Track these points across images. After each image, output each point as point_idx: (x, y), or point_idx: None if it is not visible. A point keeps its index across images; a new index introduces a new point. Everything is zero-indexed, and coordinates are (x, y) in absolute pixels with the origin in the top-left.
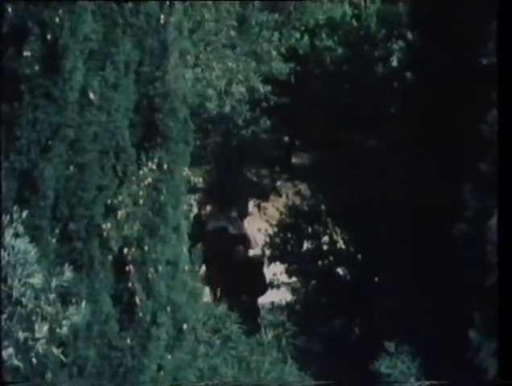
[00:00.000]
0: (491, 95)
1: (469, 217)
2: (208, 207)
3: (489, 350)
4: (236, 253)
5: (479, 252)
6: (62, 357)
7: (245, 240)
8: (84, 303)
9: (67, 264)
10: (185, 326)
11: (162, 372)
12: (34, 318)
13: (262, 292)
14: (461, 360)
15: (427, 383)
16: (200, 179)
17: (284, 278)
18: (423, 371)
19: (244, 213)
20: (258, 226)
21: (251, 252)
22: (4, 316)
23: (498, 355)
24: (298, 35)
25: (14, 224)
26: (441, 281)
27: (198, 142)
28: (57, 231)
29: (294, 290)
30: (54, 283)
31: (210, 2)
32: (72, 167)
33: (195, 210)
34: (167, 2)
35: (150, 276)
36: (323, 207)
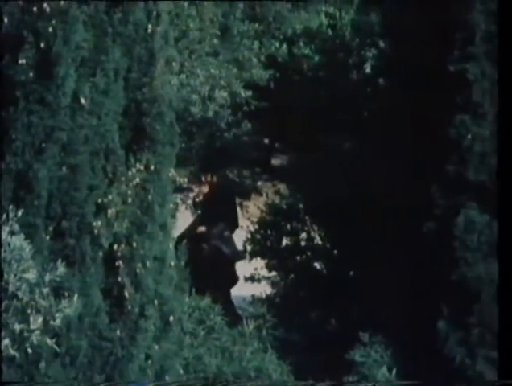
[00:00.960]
0: (457, 100)
1: (438, 215)
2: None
3: (455, 339)
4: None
5: (447, 248)
6: (55, 347)
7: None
8: (76, 297)
9: (60, 260)
10: (171, 318)
11: (149, 361)
12: (29, 311)
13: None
14: (430, 349)
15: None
16: (185, 179)
17: (264, 272)
18: (394, 360)
19: (234, 225)
20: (240, 223)
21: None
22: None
23: (498, 355)
24: (277, 44)
25: (9, 222)
26: (412, 275)
27: (183, 145)
28: (51, 228)
29: (273, 284)
30: (48, 278)
31: (194, 13)
32: (64, 168)
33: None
34: (154, 13)
35: (138, 271)
36: (301, 205)
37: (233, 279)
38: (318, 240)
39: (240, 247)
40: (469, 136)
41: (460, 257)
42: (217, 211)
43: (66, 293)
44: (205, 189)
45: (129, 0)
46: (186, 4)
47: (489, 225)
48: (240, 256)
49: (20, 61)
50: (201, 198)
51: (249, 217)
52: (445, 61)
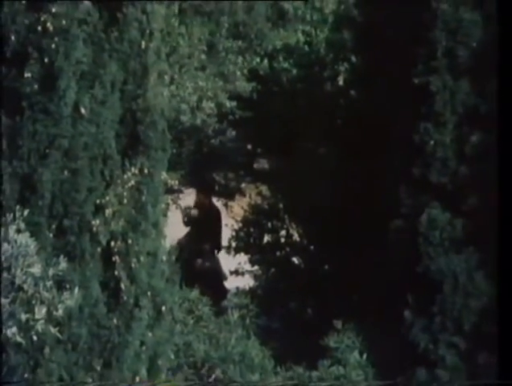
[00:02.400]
0: (421, 109)
1: (404, 213)
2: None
3: (420, 326)
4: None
5: (412, 243)
6: (58, 335)
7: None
8: (76, 289)
9: (62, 256)
10: (163, 308)
11: (144, 347)
12: (34, 302)
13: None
14: (397, 335)
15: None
16: (176, 182)
17: (248, 267)
18: (365, 345)
19: (218, 246)
20: (226, 222)
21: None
22: (8, 300)
23: (498, 356)
24: (258, 59)
25: (16, 221)
26: (381, 267)
27: (174, 150)
28: (53, 227)
29: (256, 277)
30: (51, 272)
31: (184, 31)
32: (66, 172)
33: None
34: (147, 31)
35: (133, 265)
36: (281, 205)
37: (224, 293)
38: (296, 237)
39: (225, 243)
40: (432, 142)
41: (423, 252)
42: (205, 232)
43: (67, 286)
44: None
45: (127, 0)
46: (176, 23)
47: (450, 223)
48: (225, 277)
49: (26, 75)
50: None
51: (233, 216)
52: (410, 74)
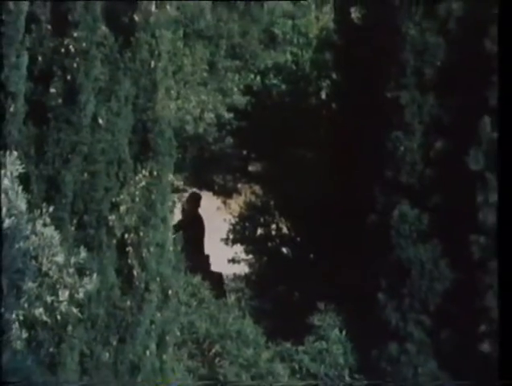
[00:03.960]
0: (393, 120)
1: (378, 209)
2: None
3: (392, 307)
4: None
5: (385, 235)
6: (79, 315)
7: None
8: (95, 275)
9: (82, 246)
10: (170, 292)
11: (153, 326)
12: (58, 286)
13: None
14: (371, 314)
15: None
16: (181, 183)
17: (243, 256)
18: (344, 323)
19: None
20: (224, 217)
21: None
22: (36, 285)
23: (498, 356)
24: (252, 76)
25: (42, 217)
26: (358, 255)
27: (179, 155)
28: (75, 221)
29: (250, 265)
30: (72, 260)
31: (188, 52)
32: (85, 174)
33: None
34: (156, 52)
35: (144, 255)
36: (272, 202)
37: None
38: (285, 230)
39: (224, 235)
40: (402, 148)
41: (395, 243)
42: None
43: (87, 273)
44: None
45: None
46: (181, 45)
47: (417, 217)
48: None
49: (51, 90)
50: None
51: (231, 212)
52: (383, 90)
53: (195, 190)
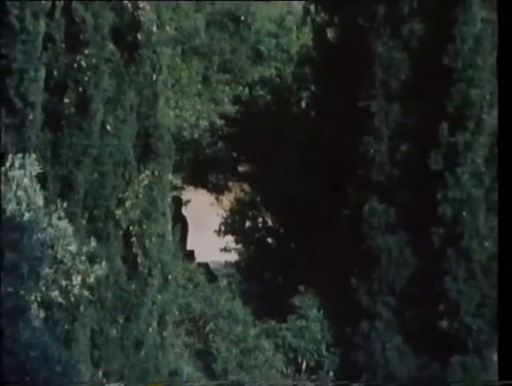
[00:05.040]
0: (364, 126)
1: (351, 204)
2: None
3: (362, 290)
4: None
5: (357, 227)
6: (90, 297)
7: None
8: (104, 262)
9: (92, 237)
10: (170, 277)
11: (155, 306)
12: (71, 272)
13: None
14: (345, 297)
15: None
16: (179, 181)
17: (233, 245)
18: (321, 304)
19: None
20: (217, 211)
21: None
22: (52, 270)
23: (498, 356)
24: (241, 88)
25: (57, 211)
26: (333, 245)
27: (178, 157)
28: (86, 215)
29: (240, 253)
30: (84, 249)
31: (185, 67)
32: (95, 174)
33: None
34: (157, 66)
35: (146, 244)
36: (258, 199)
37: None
38: (270, 223)
39: (216, 227)
40: (372, 151)
41: (366, 233)
42: None
43: (97, 260)
44: None
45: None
46: (179, 61)
47: (385, 211)
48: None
49: (65, 100)
50: None
51: (222, 207)
52: (356, 99)
53: (191, 188)
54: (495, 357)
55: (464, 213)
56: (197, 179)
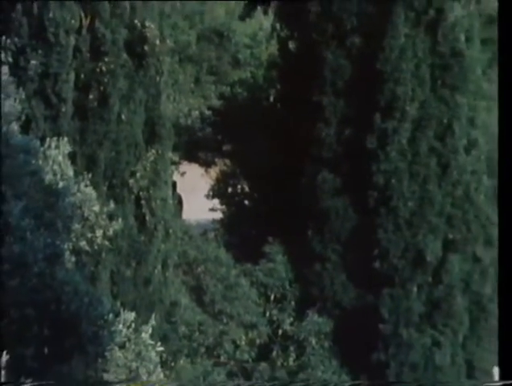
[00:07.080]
0: (317, 115)
1: (308, 174)
2: None
3: (317, 239)
4: None
5: (311, 191)
6: (110, 246)
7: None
8: (120, 219)
9: (111, 200)
10: (171, 231)
11: (159, 253)
12: (95, 227)
13: None
14: (303, 245)
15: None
16: (177, 158)
17: (219, 206)
18: (285, 250)
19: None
20: (206, 180)
21: None
22: (80, 225)
23: (498, 356)
24: (225, 87)
25: (84, 180)
26: (295, 206)
27: (176, 139)
28: (106, 183)
29: (223, 212)
30: (105, 210)
31: (181, 70)
32: (113, 152)
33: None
34: (160, 71)
35: (153, 206)
36: (238, 171)
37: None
38: (247, 189)
39: (206, 192)
40: (323, 134)
41: (319, 196)
42: None
43: (115, 218)
44: None
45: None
46: (177, 65)
47: (333, 180)
48: None
49: (90, 96)
50: None
51: (210, 178)
52: (311, 95)
53: (186, 162)
54: (415, 289)
55: (393, 181)
56: (191, 156)
